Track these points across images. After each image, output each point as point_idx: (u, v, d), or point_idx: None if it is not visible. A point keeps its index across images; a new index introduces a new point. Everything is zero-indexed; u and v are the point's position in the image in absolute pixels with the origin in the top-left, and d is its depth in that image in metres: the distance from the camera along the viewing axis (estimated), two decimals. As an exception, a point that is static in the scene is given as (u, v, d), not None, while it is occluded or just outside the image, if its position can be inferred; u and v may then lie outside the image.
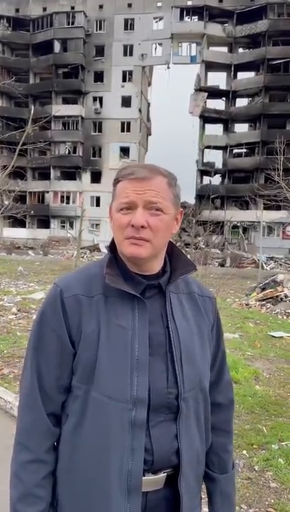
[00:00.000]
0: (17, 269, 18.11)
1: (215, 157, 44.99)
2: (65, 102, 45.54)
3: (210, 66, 43.46)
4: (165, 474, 1.13)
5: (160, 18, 43.52)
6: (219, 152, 44.42)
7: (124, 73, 44.32)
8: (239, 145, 43.09)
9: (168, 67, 44.20)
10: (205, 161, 44.22)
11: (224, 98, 44.33)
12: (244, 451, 3.54)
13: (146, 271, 1.17)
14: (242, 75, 44.17)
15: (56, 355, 1.13)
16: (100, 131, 45.16)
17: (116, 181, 1.15)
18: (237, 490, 3.01)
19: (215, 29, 42.60)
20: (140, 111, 44.80)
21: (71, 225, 42.23)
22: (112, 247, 1.20)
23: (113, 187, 1.17)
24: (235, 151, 44.32)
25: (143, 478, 1.09)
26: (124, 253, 1.14)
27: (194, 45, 44.00)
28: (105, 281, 1.12)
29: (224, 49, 44.25)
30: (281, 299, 11.44)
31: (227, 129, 43.79)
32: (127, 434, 1.07)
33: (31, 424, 1.14)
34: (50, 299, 1.16)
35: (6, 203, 18.50)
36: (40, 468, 1.13)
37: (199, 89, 43.08)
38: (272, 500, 2.91)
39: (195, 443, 1.17)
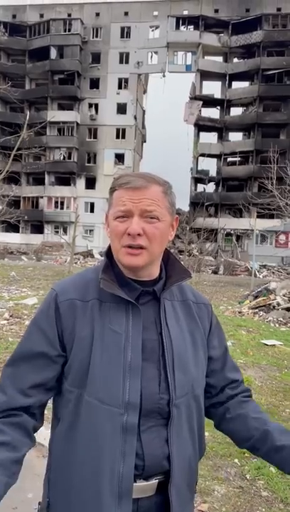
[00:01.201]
0: (10, 274, 18.01)
1: (209, 165, 45.34)
2: (61, 108, 45.68)
3: (205, 75, 43.86)
4: (157, 481, 1.13)
5: (157, 27, 43.91)
6: (214, 160, 44.71)
7: (120, 80, 44.58)
8: (233, 153, 43.41)
9: (164, 76, 44.55)
10: (199, 168, 44.49)
11: (218, 107, 44.73)
12: (236, 460, 3.54)
13: (142, 277, 1.18)
14: (236, 85, 44.62)
15: (41, 356, 1.14)
16: (95, 137, 45.29)
17: (113, 190, 1.17)
18: (227, 498, 3.01)
19: (211, 39, 43.04)
20: (135, 118, 45.02)
21: (65, 231, 42.19)
22: (109, 252, 1.22)
23: (109, 195, 1.19)
24: (229, 159, 44.64)
25: (135, 484, 1.09)
26: (120, 262, 1.16)
27: (189, 54, 44.40)
28: (100, 286, 1.13)
29: (220, 58, 44.69)
30: (274, 307, 11.48)
31: (222, 138, 44.12)
32: (119, 439, 1.07)
33: None
34: (46, 302, 1.18)
35: (0, 207, 18.45)
36: None
37: (194, 98, 43.42)
38: (263, 510, 2.90)
39: (187, 450, 1.17)
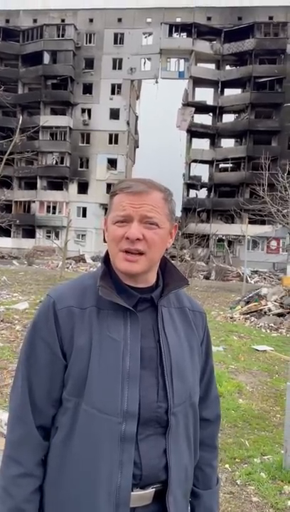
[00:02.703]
0: (1, 278, 17.89)
1: (202, 171, 45.55)
2: (54, 112, 45.67)
3: (197, 82, 44.18)
4: (154, 490, 1.12)
5: (150, 34, 44.18)
6: (206, 166, 44.95)
7: (113, 86, 44.74)
8: (225, 160, 43.68)
9: (157, 82, 44.79)
10: (191, 174, 44.66)
11: (211, 113, 45.02)
12: (227, 465, 3.54)
13: (140, 284, 1.17)
14: (228, 92, 44.98)
15: (47, 367, 1.13)
16: (88, 142, 45.33)
17: (113, 194, 1.16)
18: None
19: (203, 46, 43.40)
20: (128, 123, 45.16)
21: (57, 235, 42.02)
22: (106, 258, 1.20)
23: (109, 199, 1.18)
24: (221, 165, 44.92)
25: (132, 493, 1.08)
26: (117, 267, 1.15)
27: (182, 61, 44.73)
28: (98, 293, 1.12)
29: (212, 66, 45.06)
30: (265, 312, 11.53)
31: (214, 144, 44.39)
32: (117, 448, 1.06)
33: (22, 437, 1.12)
34: (43, 310, 1.15)
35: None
36: (30, 483, 1.11)
37: (186, 104, 43.68)
38: (254, 515, 2.90)
39: (183, 458, 1.17)
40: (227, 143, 46.21)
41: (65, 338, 1.11)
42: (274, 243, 39.55)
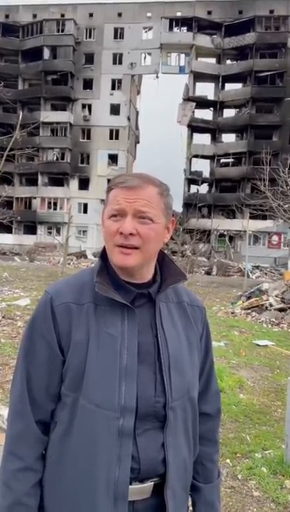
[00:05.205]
0: (2, 275, 17.91)
1: (203, 166, 45.47)
2: (54, 108, 45.57)
3: (198, 76, 44.00)
4: (152, 483, 1.13)
5: (150, 28, 43.97)
6: (207, 161, 44.84)
7: (113, 81, 44.60)
8: (226, 155, 43.57)
9: (157, 77, 44.65)
10: (192, 169, 44.59)
11: (212, 108, 44.88)
12: (228, 460, 3.55)
13: (137, 279, 1.17)
14: (229, 86, 44.81)
15: (46, 362, 1.13)
16: (89, 138, 45.25)
17: (109, 189, 1.16)
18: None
19: (204, 40, 43.19)
20: (128, 119, 45.03)
21: (58, 232, 42.05)
22: (103, 254, 1.20)
23: (106, 194, 1.18)
24: (222, 160, 44.80)
25: (130, 486, 1.09)
26: (113, 261, 1.15)
27: (183, 56, 44.54)
28: (95, 289, 1.13)
29: (213, 60, 44.85)
30: (266, 307, 11.53)
31: (215, 139, 44.27)
32: (115, 443, 1.07)
33: (21, 432, 1.13)
34: (41, 306, 1.16)
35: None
36: (30, 477, 1.12)
37: (187, 99, 43.52)
38: (255, 510, 2.91)
39: (182, 452, 1.17)
40: (228, 138, 46.10)
41: (63, 333, 1.12)
42: (275, 238, 39.51)
